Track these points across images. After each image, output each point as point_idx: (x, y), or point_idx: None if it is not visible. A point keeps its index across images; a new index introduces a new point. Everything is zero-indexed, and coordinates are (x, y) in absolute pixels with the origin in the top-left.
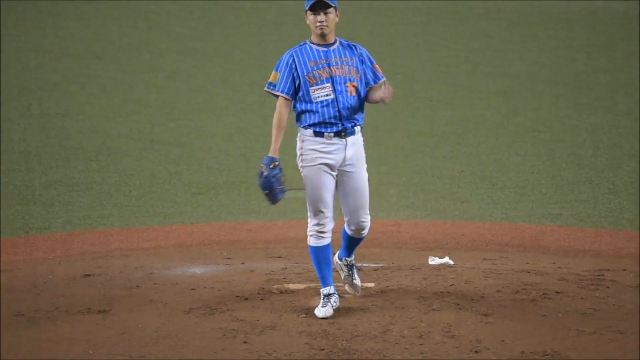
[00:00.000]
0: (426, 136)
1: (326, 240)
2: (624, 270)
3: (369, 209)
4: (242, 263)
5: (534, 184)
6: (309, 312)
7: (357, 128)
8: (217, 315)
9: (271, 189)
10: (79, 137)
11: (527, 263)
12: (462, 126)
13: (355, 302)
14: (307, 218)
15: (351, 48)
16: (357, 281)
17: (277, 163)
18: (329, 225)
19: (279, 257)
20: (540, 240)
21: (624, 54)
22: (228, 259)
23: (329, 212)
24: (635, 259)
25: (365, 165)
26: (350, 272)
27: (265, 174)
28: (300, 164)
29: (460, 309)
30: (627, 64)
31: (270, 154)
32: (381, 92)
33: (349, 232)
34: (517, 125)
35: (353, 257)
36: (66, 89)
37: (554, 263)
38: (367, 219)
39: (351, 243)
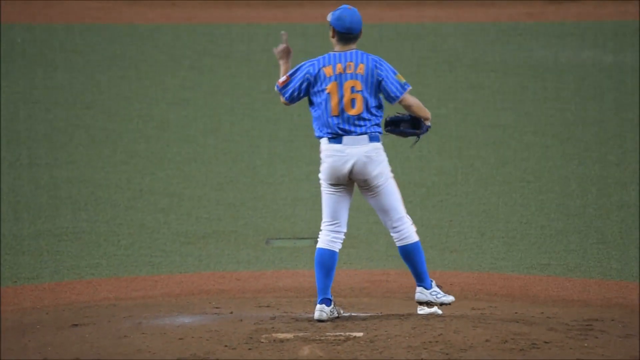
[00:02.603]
0: (416, 186)
1: None
2: (613, 320)
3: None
4: (231, 312)
5: (522, 234)
6: None
7: None
8: None
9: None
10: (68, 186)
11: (516, 313)
12: (451, 176)
13: (343, 352)
14: (404, 219)
15: None
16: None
17: None
18: None
19: (268, 306)
20: (528, 290)
21: (613, 105)
22: (217, 308)
23: None
24: (623, 309)
25: None
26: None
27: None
28: (389, 174)
29: (449, 358)
30: (616, 115)
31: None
32: None
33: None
34: (506, 176)
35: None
36: (55, 139)
37: (542, 313)
38: None
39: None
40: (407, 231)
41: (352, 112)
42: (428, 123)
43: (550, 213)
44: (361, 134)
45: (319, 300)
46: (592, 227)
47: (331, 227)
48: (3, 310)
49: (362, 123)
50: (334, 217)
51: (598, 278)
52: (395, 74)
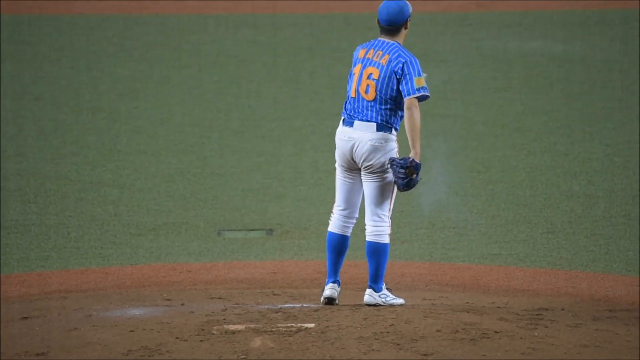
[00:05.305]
0: None
1: None
2: (562, 309)
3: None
4: (182, 304)
5: (473, 224)
6: (249, 353)
7: None
8: (156, 357)
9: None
10: (17, 179)
11: (467, 303)
12: None
13: (295, 344)
14: (386, 218)
15: None
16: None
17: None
18: None
19: (219, 298)
20: (479, 280)
21: (561, 94)
22: (168, 300)
23: None
24: (573, 299)
25: None
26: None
27: (417, 179)
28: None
29: (400, 349)
30: (565, 105)
31: (418, 160)
32: None
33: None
34: (456, 166)
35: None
36: (4, 130)
37: (493, 303)
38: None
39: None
40: (382, 230)
41: (366, 97)
42: (418, 176)
43: (500, 203)
44: (370, 121)
45: (329, 280)
46: (542, 216)
47: (344, 212)
48: None
49: (373, 111)
50: (347, 203)
51: (548, 268)
52: (417, 76)
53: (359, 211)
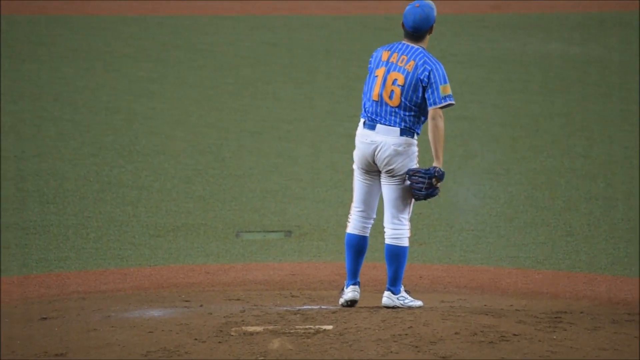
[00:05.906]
0: None
1: None
2: (581, 312)
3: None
4: (201, 306)
5: (492, 227)
6: (267, 355)
7: None
8: (175, 358)
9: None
10: (36, 179)
11: (485, 305)
12: None
13: (313, 346)
14: (406, 221)
15: None
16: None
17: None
18: None
19: (238, 299)
20: (497, 283)
21: (579, 96)
22: (186, 301)
23: None
24: (592, 301)
25: None
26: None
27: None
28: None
29: (418, 351)
30: (583, 107)
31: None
32: None
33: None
34: (474, 168)
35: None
36: (22, 131)
37: (511, 305)
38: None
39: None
40: (402, 233)
41: (390, 103)
42: (438, 186)
43: (519, 205)
44: (394, 126)
45: (350, 282)
46: (561, 219)
47: (362, 214)
48: None
49: (396, 117)
50: (366, 204)
51: (566, 270)
52: (442, 84)
53: (377, 213)
